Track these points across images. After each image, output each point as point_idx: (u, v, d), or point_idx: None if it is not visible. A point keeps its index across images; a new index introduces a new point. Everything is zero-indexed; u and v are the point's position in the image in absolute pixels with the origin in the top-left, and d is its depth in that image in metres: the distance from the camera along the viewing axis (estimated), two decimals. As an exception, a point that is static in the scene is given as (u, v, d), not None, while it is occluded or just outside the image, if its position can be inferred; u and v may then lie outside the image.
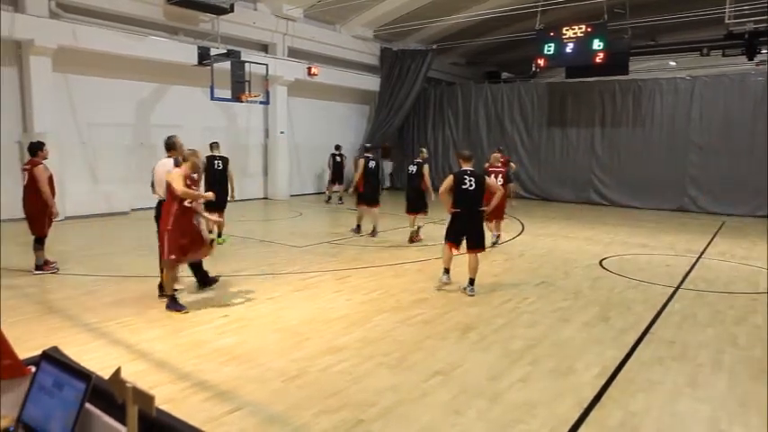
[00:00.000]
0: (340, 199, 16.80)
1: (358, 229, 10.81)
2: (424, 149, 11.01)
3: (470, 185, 6.52)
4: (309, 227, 12.18)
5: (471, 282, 6.68)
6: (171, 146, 6.42)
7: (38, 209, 7.25)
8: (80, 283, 6.83)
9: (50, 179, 7.31)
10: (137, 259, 8.22)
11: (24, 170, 7.37)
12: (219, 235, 9.61)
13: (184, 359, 4.49)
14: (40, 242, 7.36)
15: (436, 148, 20.35)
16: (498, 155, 10.27)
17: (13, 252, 8.30)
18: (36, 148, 7.36)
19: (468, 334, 5.24)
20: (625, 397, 3.92)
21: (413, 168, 10.02)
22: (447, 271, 6.92)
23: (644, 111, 16.43)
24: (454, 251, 6.86)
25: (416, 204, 10.05)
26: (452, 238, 6.82)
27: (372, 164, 10.68)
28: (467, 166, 6.70)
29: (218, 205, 8.85)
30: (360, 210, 10.81)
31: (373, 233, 10.59)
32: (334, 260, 8.58)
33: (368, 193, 10.52)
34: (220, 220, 7.92)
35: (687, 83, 15.80)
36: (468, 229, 6.67)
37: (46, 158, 7.44)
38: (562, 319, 5.74)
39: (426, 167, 9.96)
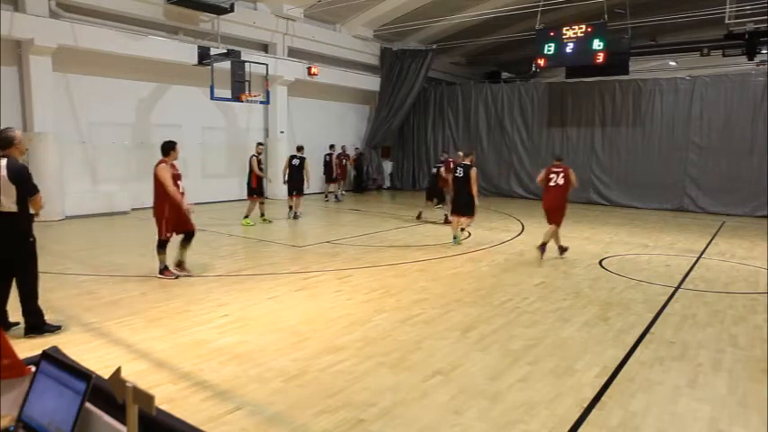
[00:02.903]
0: (336, 197, 16.97)
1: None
2: (472, 153, 10.48)
3: (460, 173, 9.79)
4: (310, 226, 12.19)
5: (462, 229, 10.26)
6: (7, 142, 4.79)
7: (156, 209, 7.00)
8: (80, 283, 6.82)
9: (175, 178, 6.96)
10: (137, 259, 8.22)
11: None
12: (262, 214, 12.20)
13: (184, 359, 4.49)
14: (160, 245, 7.08)
15: (436, 147, 20.37)
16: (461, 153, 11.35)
17: (13, 252, 8.28)
18: (168, 148, 7.09)
19: (468, 334, 5.24)
20: (625, 397, 3.92)
21: (460, 171, 9.84)
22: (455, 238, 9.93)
23: (644, 111, 16.43)
24: (454, 219, 10.11)
25: (463, 206, 9.92)
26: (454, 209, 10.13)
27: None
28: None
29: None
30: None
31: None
32: (335, 260, 8.57)
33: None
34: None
35: (687, 83, 15.80)
36: (460, 203, 9.90)
37: (176, 159, 7.17)
38: (562, 319, 5.74)
39: (474, 171, 9.69)
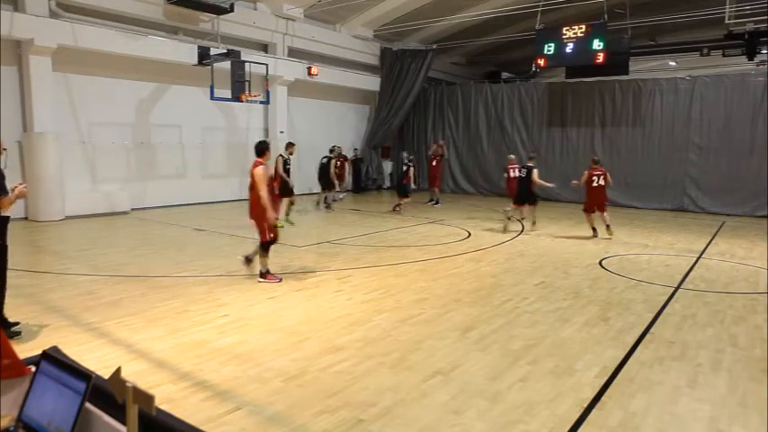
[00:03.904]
0: (333, 198, 16.85)
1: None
2: (535, 155, 12.51)
3: (524, 174, 11.43)
4: (310, 226, 12.19)
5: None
6: None
7: (257, 212, 6.90)
8: (80, 283, 6.82)
9: (271, 180, 6.79)
10: (137, 259, 8.23)
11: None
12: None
13: (184, 359, 4.49)
14: (263, 247, 7.03)
15: (436, 147, 20.39)
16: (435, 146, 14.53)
17: (13, 252, 8.28)
18: (263, 149, 6.99)
19: (468, 334, 5.24)
20: (625, 397, 3.92)
21: (524, 171, 11.55)
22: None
23: (644, 111, 16.43)
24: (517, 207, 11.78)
25: (526, 197, 11.72)
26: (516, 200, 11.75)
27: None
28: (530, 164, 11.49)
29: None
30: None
31: None
32: (335, 260, 8.58)
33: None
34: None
35: (687, 83, 15.79)
36: (522, 196, 11.57)
37: (269, 159, 7.04)
38: (562, 319, 5.74)
39: (536, 171, 11.43)
